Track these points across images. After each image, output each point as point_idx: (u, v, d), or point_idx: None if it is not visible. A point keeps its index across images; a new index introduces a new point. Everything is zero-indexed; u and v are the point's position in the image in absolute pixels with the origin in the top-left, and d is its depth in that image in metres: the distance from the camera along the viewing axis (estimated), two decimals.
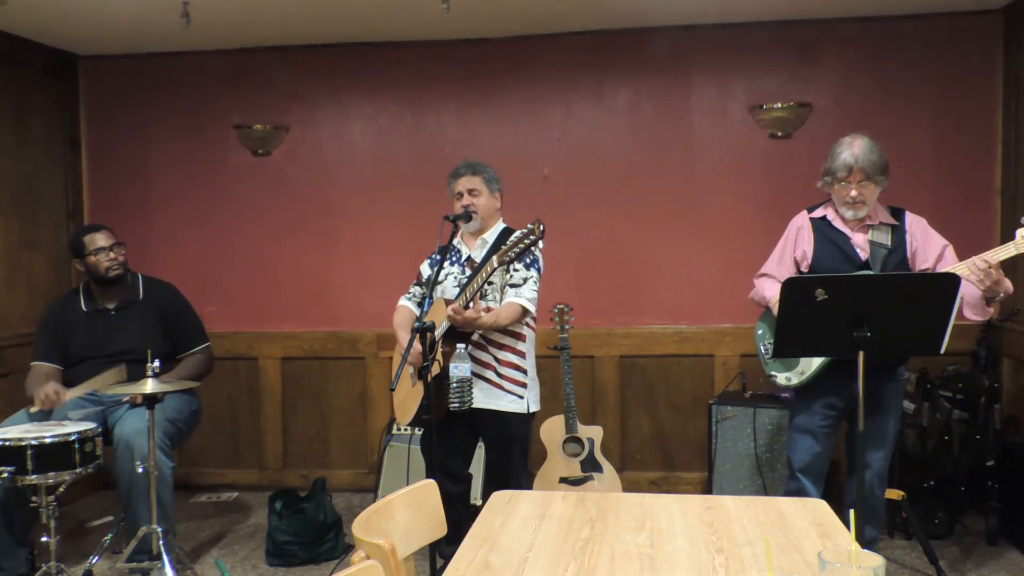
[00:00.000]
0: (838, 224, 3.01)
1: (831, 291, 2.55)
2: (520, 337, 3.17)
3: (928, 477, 3.78)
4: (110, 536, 3.59)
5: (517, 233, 2.85)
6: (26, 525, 3.38)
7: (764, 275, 3.18)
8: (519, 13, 4.10)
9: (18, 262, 4.34)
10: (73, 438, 3.05)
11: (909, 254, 2.96)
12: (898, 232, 2.97)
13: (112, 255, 3.65)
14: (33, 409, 3.45)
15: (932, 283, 2.59)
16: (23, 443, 2.97)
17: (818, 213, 3.07)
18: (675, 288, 4.44)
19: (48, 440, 3.01)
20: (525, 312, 3.09)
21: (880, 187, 2.94)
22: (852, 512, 1.45)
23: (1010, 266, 4.08)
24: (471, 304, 2.92)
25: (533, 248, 3.17)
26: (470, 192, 3.18)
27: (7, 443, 2.97)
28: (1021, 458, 3.63)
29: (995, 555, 3.61)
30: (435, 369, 2.99)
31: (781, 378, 3.08)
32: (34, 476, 2.98)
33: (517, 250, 2.77)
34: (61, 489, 3.07)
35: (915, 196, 4.22)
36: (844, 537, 1.79)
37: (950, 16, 4.16)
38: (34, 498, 3.05)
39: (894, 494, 3.54)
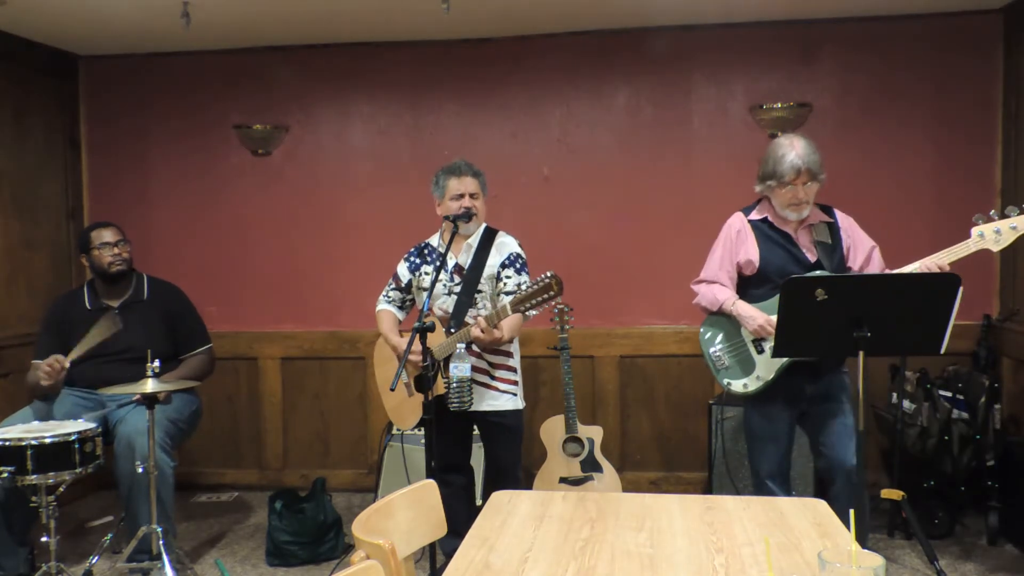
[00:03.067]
0: (780, 225, 2.99)
1: (831, 291, 2.55)
2: None
3: (928, 477, 3.78)
4: (110, 536, 3.59)
5: (535, 283, 2.76)
6: (26, 525, 3.38)
7: (704, 281, 3.14)
8: (519, 13, 4.10)
9: (18, 262, 4.34)
10: (73, 438, 3.05)
11: (844, 250, 2.98)
12: (834, 229, 3.01)
13: (116, 251, 3.66)
14: (44, 382, 3.40)
15: (932, 283, 2.59)
16: (23, 443, 2.97)
17: (756, 215, 3.04)
18: (675, 288, 4.42)
19: (48, 440, 3.00)
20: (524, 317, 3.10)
21: (820, 185, 2.94)
22: (852, 512, 1.45)
23: (1010, 266, 4.10)
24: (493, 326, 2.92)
25: (522, 254, 3.19)
26: (472, 196, 3.18)
27: (7, 443, 2.97)
28: (1021, 458, 3.63)
29: (995, 555, 3.61)
30: (440, 388, 3.01)
31: (737, 385, 3.03)
32: (34, 476, 2.98)
33: (534, 302, 2.75)
34: (61, 489, 3.07)
35: (915, 196, 4.24)
36: (844, 537, 1.79)
37: (950, 16, 4.16)
38: (34, 498, 3.04)
39: (894, 494, 3.54)
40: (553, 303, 3.81)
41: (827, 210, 3.05)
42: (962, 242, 2.78)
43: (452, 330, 3.07)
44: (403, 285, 3.33)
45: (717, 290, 3.08)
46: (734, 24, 4.31)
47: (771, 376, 2.97)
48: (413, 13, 4.00)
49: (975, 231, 2.76)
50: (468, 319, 3.06)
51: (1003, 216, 2.76)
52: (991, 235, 2.74)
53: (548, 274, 2.72)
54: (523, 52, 4.48)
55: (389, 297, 3.39)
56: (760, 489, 3.11)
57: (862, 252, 3.01)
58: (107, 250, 3.65)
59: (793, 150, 2.87)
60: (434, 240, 3.30)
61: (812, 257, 2.96)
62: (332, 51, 4.59)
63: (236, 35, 4.39)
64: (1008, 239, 2.74)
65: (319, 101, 4.64)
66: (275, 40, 4.52)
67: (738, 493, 3.80)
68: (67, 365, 3.44)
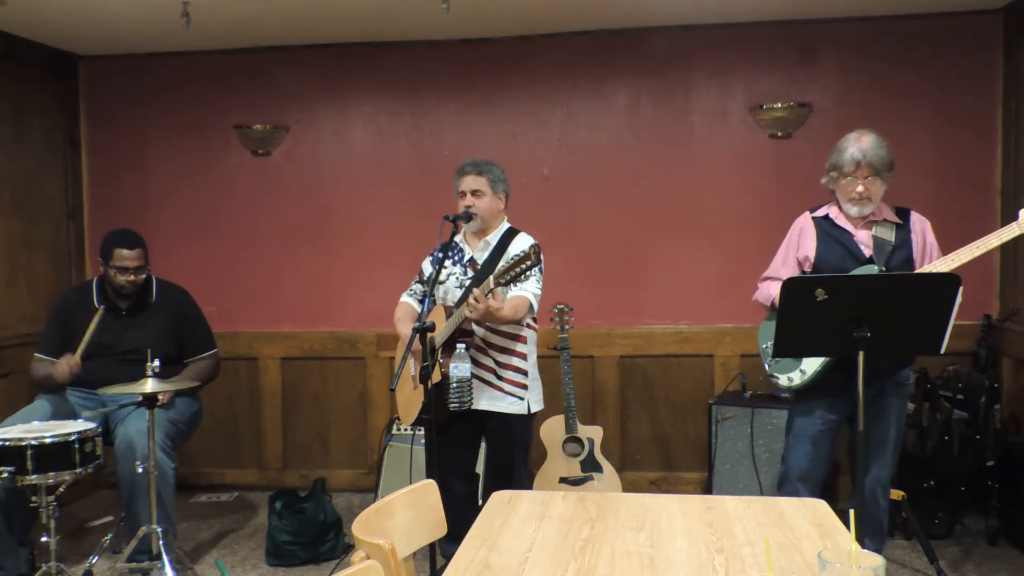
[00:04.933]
0: (841, 222, 2.98)
1: (831, 291, 2.54)
2: (520, 339, 3.16)
3: (928, 477, 3.78)
4: (110, 536, 3.59)
5: (515, 254, 2.79)
6: (26, 525, 3.38)
7: (768, 278, 3.14)
8: (519, 13, 4.10)
9: (18, 262, 4.34)
10: (73, 438, 3.05)
11: (916, 255, 2.93)
12: (903, 230, 2.94)
13: (131, 278, 3.64)
14: (61, 380, 3.47)
15: (932, 283, 2.58)
16: (23, 443, 2.97)
17: (821, 212, 3.04)
18: (675, 288, 4.44)
19: (48, 440, 3.01)
20: (531, 307, 3.07)
21: (886, 184, 2.91)
22: (852, 512, 1.45)
23: (1010, 266, 4.10)
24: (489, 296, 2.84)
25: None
26: (473, 193, 3.15)
27: (7, 443, 2.97)
28: (1021, 458, 3.63)
29: (995, 555, 3.61)
30: (436, 376, 2.99)
31: (783, 379, 3.03)
32: (34, 476, 2.98)
33: (514, 273, 2.73)
34: (61, 489, 3.07)
35: (915, 196, 4.21)
36: (844, 537, 1.79)
37: (950, 16, 4.16)
38: (34, 498, 3.04)
39: (894, 494, 3.54)
40: (559, 313, 3.79)
41: (902, 213, 2.98)
42: (1008, 224, 2.70)
43: None
44: (425, 279, 3.31)
45: (772, 286, 3.07)
46: (734, 24, 4.30)
47: (814, 371, 2.92)
48: (413, 13, 4.00)
49: (1023, 212, 2.66)
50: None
51: None
52: None
53: (529, 245, 2.72)
54: (523, 52, 4.48)
55: (412, 290, 3.40)
56: (785, 487, 3.04)
57: (928, 254, 2.96)
58: (122, 275, 3.62)
59: (857, 144, 2.87)
60: (458, 237, 3.27)
61: (868, 252, 2.91)
62: (332, 51, 4.59)
63: (236, 35, 4.39)
64: None
65: (319, 101, 4.64)
66: (275, 40, 4.52)
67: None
68: (79, 361, 3.47)
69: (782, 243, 3.13)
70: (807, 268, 3.02)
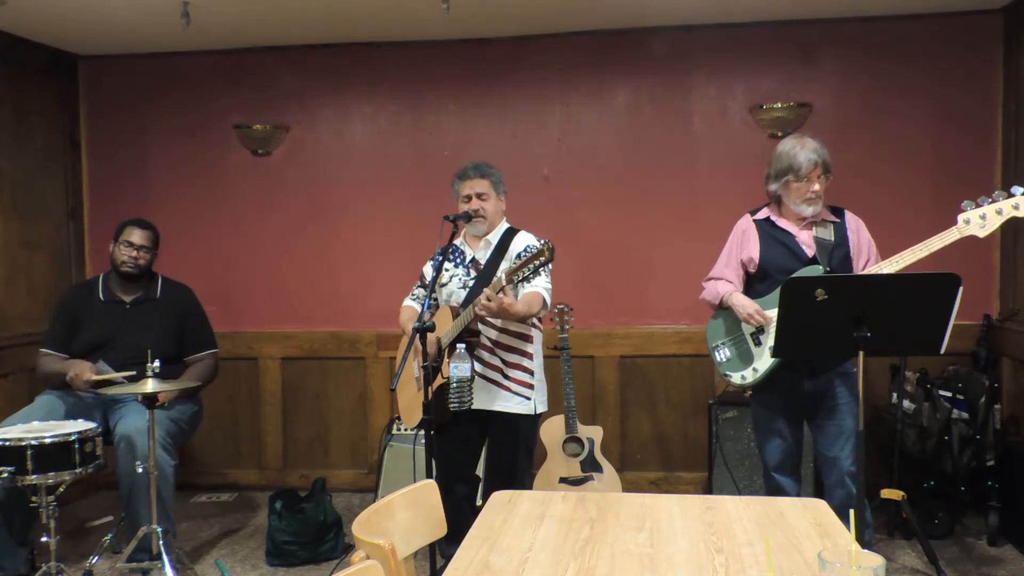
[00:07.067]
0: (782, 224, 3.08)
1: (831, 291, 2.55)
2: (527, 339, 3.15)
3: (928, 477, 3.78)
4: (110, 536, 3.59)
5: (527, 249, 2.78)
6: (26, 525, 3.38)
7: (712, 278, 3.23)
8: (519, 13, 4.10)
9: (18, 262, 4.34)
10: (73, 438, 3.05)
11: (853, 251, 3.04)
12: (840, 228, 3.05)
13: (135, 254, 3.68)
14: (78, 386, 3.49)
15: (932, 283, 2.59)
16: (23, 443, 2.97)
17: (761, 215, 3.14)
18: (675, 288, 4.44)
19: (48, 440, 3.00)
20: (544, 303, 3.04)
21: (830, 180, 3.03)
22: (852, 512, 1.45)
23: (1010, 266, 4.10)
24: (501, 293, 2.79)
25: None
26: (479, 196, 3.15)
27: (7, 443, 2.97)
28: (1021, 458, 3.63)
29: (995, 555, 3.61)
30: (440, 379, 2.99)
31: (736, 377, 3.11)
32: (34, 476, 2.98)
33: (527, 270, 2.70)
34: (61, 489, 3.07)
35: (915, 195, 4.24)
36: (844, 537, 1.79)
37: (950, 16, 4.16)
38: (34, 498, 3.04)
39: (894, 494, 3.54)
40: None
41: (837, 212, 3.10)
42: (948, 229, 2.78)
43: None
44: (427, 283, 3.31)
45: (720, 285, 3.17)
46: (734, 24, 4.31)
47: (766, 368, 3.01)
48: (413, 13, 4.00)
49: (961, 217, 2.78)
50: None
51: (991, 201, 2.76)
52: (976, 220, 2.75)
53: (541, 241, 2.71)
54: (523, 52, 4.48)
55: (414, 295, 3.40)
56: (768, 480, 3.17)
57: (865, 250, 3.06)
58: (127, 249, 3.67)
59: (806, 146, 2.97)
60: (458, 240, 3.28)
61: (810, 252, 3.00)
62: (332, 51, 4.59)
63: (236, 35, 4.39)
64: (993, 224, 2.74)
65: (319, 101, 4.64)
66: (275, 40, 4.52)
67: (738, 491, 3.80)
68: (93, 382, 3.49)
69: (725, 245, 3.22)
70: (751, 269, 3.12)
